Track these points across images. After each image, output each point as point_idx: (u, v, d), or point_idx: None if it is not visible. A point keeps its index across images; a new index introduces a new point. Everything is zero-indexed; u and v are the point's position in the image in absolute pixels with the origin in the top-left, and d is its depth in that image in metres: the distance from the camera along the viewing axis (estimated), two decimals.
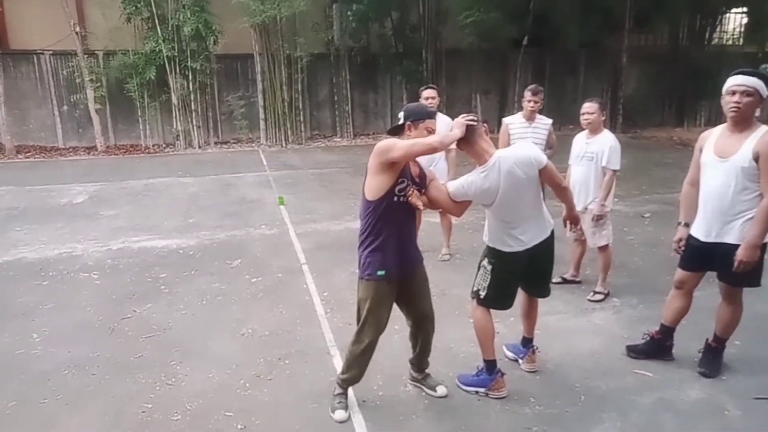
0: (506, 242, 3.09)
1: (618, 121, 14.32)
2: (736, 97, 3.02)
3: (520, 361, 3.51)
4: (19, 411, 3.19)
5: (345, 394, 3.14)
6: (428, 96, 5.20)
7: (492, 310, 3.25)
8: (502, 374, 3.21)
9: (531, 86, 4.98)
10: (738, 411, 3.02)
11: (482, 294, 3.19)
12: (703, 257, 3.25)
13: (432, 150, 2.89)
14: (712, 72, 15.01)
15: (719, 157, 3.11)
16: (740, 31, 16.84)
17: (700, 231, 3.24)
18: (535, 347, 3.50)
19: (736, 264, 3.02)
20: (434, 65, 14.01)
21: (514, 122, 5.02)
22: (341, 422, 3.00)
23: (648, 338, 3.58)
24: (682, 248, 3.37)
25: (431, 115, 3.00)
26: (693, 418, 2.98)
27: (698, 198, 3.30)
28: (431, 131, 2.92)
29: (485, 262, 3.19)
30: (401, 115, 3.05)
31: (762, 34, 16.39)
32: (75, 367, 3.63)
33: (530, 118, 4.95)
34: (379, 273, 2.91)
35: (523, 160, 2.96)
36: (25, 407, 3.22)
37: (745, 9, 16.39)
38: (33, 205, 8.02)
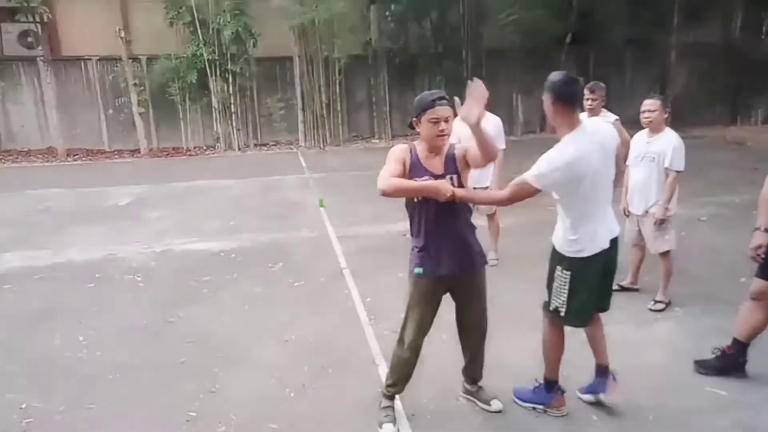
0: (591, 240, 2.70)
1: (667, 120, 13.78)
2: None
3: (603, 396, 2.98)
4: (67, 416, 3.16)
5: (392, 406, 3.00)
6: None
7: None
8: (563, 392, 3.00)
9: (589, 84, 4.78)
10: None
11: (562, 311, 2.84)
12: None
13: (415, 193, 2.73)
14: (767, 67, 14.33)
15: None
16: None
17: None
18: (614, 375, 3.01)
19: None
20: (475, 65, 13.75)
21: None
22: None
23: (719, 353, 3.31)
24: (761, 256, 3.10)
25: (432, 104, 2.68)
26: None
27: None
28: (436, 121, 2.68)
29: (560, 271, 2.81)
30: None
31: None
32: (120, 372, 3.60)
33: (593, 116, 4.73)
34: (416, 271, 2.83)
35: (611, 134, 2.76)
36: (73, 412, 3.19)
37: None
38: (81, 207, 8.18)
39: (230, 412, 3.12)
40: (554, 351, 2.96)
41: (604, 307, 3.01)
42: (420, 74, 14.22)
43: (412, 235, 2.90)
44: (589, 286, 2.79)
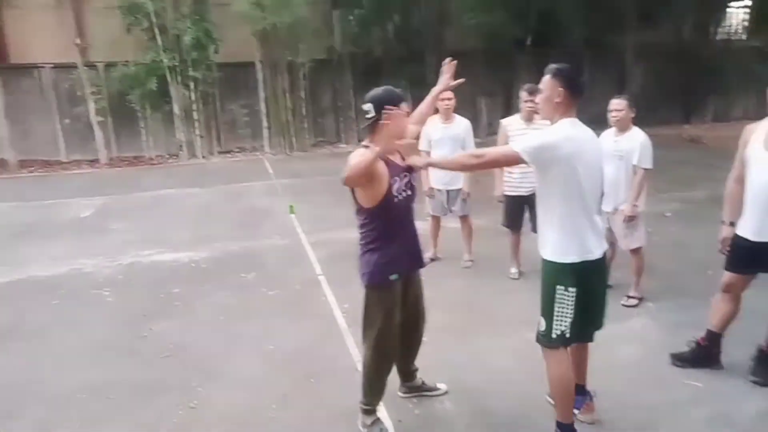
0: (588, 244, 2.51)
1: (634, 119, 14.19)
2: None
3: (576, 412, 2.79)
4: None
5: (379, 418, 2.95)
6: (445, 97, 5.03)
7: None
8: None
9: (526, 85, 4.67)
10: None
11: (568, 334, 2.54)
12: (753, 258, 3.08)
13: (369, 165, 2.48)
14: (719, 67, 14.91)
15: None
16: (744, 26, 16.70)
17: (749, 230, 3.07)
18: (592, 394, 2.90)
19: None
20: (438, 68, 13.78)
21: (512, 123, 4.79)
22: None
23: (694, 345, 3.40)
24: (728, 249, 3.20)
25: (402, 98, 2.71)
26: None
27: (743, 195, 3.12)
28: (407, 114, 2.75)
29: (563, 290, 2.49)
30: (369, 106, 2.67)
31: (766, 28, 16.29)
32: (92, 391, 3.45)
33: (529, 119, 4.68)
34: (392, 278, 2.75)
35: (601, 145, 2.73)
36: None
37: (749, 2, 16.29)
38: (40, 220, 7.87)
39: (211, 428, 3.04)
40: (567, 385, 2.61)
41: (601, 323, 2.75)
42: (384, 77, 14.17)
43: (369, 239, 2.74)
44: (592, 297, 2.58)
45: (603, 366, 3.35)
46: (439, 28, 13.81)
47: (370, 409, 2.92)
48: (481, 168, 2.85)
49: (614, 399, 3.08)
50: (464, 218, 5.35)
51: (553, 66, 2.59)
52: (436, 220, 5.46)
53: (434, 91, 3.17)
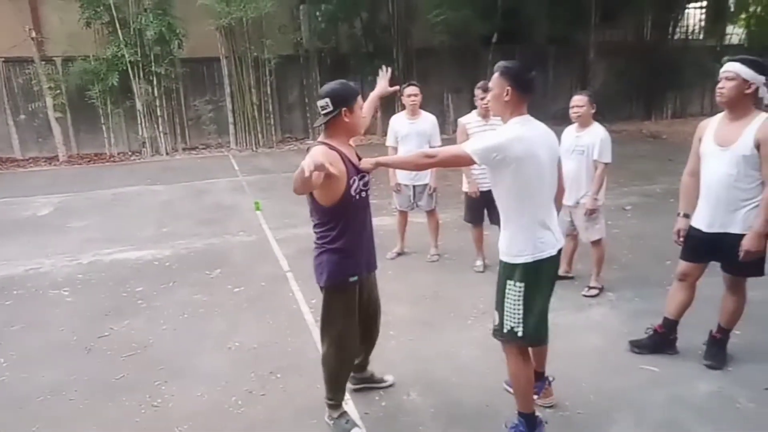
0: (539, 243, 2.53)
1: (594, 115, 14.50)
2: (721, 83, 3.02)
3: (536, 398, 2.87)
4: None
5: (346, 411, 2.95)
6: (411, 93, 5.07)
7: None
8: (544, 423, 2.77)
9: (480, 83, 4.72)
10: (751, 403, 2.96)
11: (519, 330, 2.57)
12: (706, 248, 3.20)
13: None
14: (677, 65, 15.38)
15: (720, 146, 3.06)
16: (701, 26, 17.24)
17: (702, 222, 3.18)
18: (550, 379, 3.00)
19: (742, 254, 2.97)
20: (405, 64, 13.91)
21: (470, 121, 4.83)
22: None
23: (651, 332, 3.51)
24: (682, 239, 3.32)
25: (359, 91, 2.70)
26: (707, 413, 2.90)
27: (698, 189, 3.23)
28: (362, 108, 2.77)
29: (512, 285, 2.55)
30: (326, 101, 2.61)
31: (720, 27, 16.87)
32: (51, 393, 3.36)
33: (485, 116, 4.73)
34: (352, 280, 2.73)
35: (556, 141, 2.69)
36: None
37: (704, 3, 16.83)
38: None
39: (175, 426, 2.98)
40: (525, 379, 2.67)
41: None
42: (352, 74, 14.19)
43: (326, 239, 2.70)
44: (543, 296, 2.63)
45: (564, 354, 3.45)
46: (406, 25, 13.85)
47: (335, 404, 2.92)
48: (433, 167, 2.86)
49: (574, 386, 3.17)
50: (431, 213, 5.39)
51: (501, 63, 2.59)
52: (403, 215, 5.48)
53: (372, 95, 3.21)
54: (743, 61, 2.97)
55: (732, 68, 2.97)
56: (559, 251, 2.65)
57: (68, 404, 3.24)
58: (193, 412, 3.11)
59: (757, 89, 2.96)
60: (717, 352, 3.34)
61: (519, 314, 2.56)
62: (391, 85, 3.28)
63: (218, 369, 3.56)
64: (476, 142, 2.54)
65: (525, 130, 2.51)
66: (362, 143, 3.26)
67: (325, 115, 2.65)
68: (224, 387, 3.35)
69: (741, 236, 3.00)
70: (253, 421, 3.02)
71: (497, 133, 2.57)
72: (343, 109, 2.63)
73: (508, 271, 2.58)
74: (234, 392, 3.28)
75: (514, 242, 2.56)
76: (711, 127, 3.17)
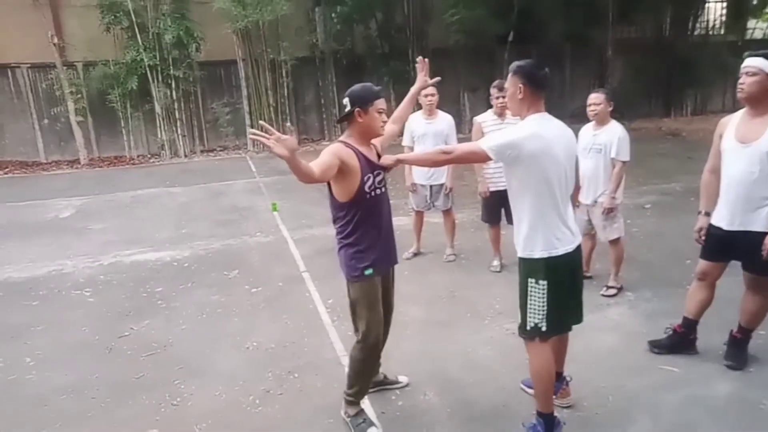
0: (557, 239, 2.53)
1: (612, 113, 14.36)
2: (742, 79, 2.98)
3: (553, 398, 2.81)
4: None
5: (363, 409, 2.96)
6: (428, 93, 5.05)
7: None
8: (562, 424, 2.76)
9: (495, 82, 4.74)
10: None
11: (544, 326, 2.58)
12: (726, 247, 3.14)
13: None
14: (697, 61, 15.13)
15: (741, 143, 3.01)
16: (721, 21, 16.95)
17: (723, 220, 3.13)
18: (568, 379, 3.00)
19: (765, 252, 2.91)
20: None
21: (486, 120, 4.83)
22: None
23: (671, 332, 3.46)
24: (703, 238, 3.27)
25: (378, 95, 2.75)
26: (727, 415, 2.86)
27: (719, 186, 3.18)
28: (381, 111, 2.75)
29: (534, 282, 2.55)
30: (346, 100, 2.73)
31: (742, 22, 16.56)
32: (73, 391, 3.43)
33: (501, 114, 4.75)
34: (367, 273, 2.75)
35: (574, 139, 2.67)
36: None
37: None
38: (17, 221, 7.76)
39: (194, 424, 3.03)
40: (548, 377, 2.65)
41: (579, 319, 2.80)
42: (367, 75, 14.21)
43: (344, 234, 2.76)
44: (567, 291, 2.62)
45: (582, 354, 3.43)
46: (421, 25, 13.84)
47: (354, 401, 2.94)
48: (450, 164, 2.89)
49: (593, 386, 3.15)
50: (447, 212, 5.38)
51: (514, 64, 2.62)
52: (419, 215, 5.48)
53: (412, 90, 3.24)
54: (767, 56, 2.92)
55: (754, 63, 2.93)
56: (578, 247, 2.65)
57: (89, 402, 3.31)
58: (212, 411, 3.15)
59: None
60: (737, 353, 3.28)
61: (543, 311, 2.57)
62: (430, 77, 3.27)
63: (236, 368, 3.60)
64: (492, 139, 2.56)
65: (541, 128, 2.51)
66: (395, 143, 3.29)
67: (345, 113, 2.73)
68: (242, 386, 3.38)
69: (763, 234, 2.94)
70: (270, 420, 3.05)
71: (513, 129, 2.59)
72: (357, 109, 2.69)
73: (528, 268, 2.59)
74: (252, 391, 3.32)
75: (531, 240, 2.55)
76: (732, 123, 3.12)
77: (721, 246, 3.17)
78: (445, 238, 5.47)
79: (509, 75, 2.61)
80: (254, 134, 2.31)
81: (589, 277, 4.66)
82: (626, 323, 3.93)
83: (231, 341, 3.99)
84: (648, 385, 3.14)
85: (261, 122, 2.57)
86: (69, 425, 3.10)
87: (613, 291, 4.36)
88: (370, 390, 3.18)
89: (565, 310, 2.65)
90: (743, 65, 2.98)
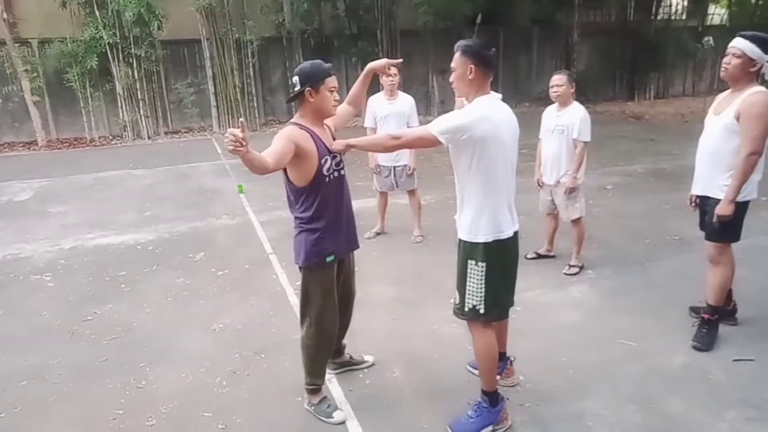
0: (500, 223, 2.52)
1: (573, 95, 14.56)
2: (727, 59, 3.11)
3: (498, 378, 2.87)
4: None
5: (325, 396, 2.94)
6: (389, 74, 5.03)
7: None
8: (505, 399, 2.77)
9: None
10: (722, 375, 3.05)
11: (482, 309, 2.58)
12: (702, 215, 3.39)
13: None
14: (660, 46, 15.44)
15: (714, 115, 3.22)
16: (683, 6, 17.31)
17: (695, 185, 3.39)
18: (511, 359, 3.06)
19: (714, 218, 3.13)
20: (389, 46, 13.79)
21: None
22: (342, 422, 2.81)
23: (705, 331, 3.36)
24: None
25: (329, 72, 2.65)
26: (680, 385, 2.98)
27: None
28: (332, 90, 2.65)
29: (474, 264, 2.54)
30: (296, 79, 2.62)
31: (702, 8, 16.94)
32: (34, 377, 3.35)
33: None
34: (329, 260, 2.73)
35: (516, 122, 2.61)
36: None
37: None
38: None
39: (160, 406, 3.01)
40: (490, 357, 2.67)
41: (511, 302, 2.78)
42: (336, 55, 14.08)
43: (304, 220, 2.70)
44: (505, 274, 2.63)
45: (545, 330, 3.53)
46: (389, 6, 13.70)
47: (315, 388, 2.92)
48: (401, 149, 2.83)
49: (554, 360, 3.24)
50: (412, 192, 5.41)
51: (461, 42, 2.54)
52: (384, 195, 5.51)
53: (366, 68, 3.00)
54: (753, 39, 3.03)
55: (740, 45, 3.05)
56: (516, 233, 2.62)
57: (52, 387, 3.24)
58: (178, 392, 3.13)
59: (761, 67, 3.04)
60: (704, 335, 3.32)
61: (481, 293, 2.56)
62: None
63: (202, 350, 3.58)
64: (441, 123, 2.45)
65: (490, 111, 2.46)
66: (349, 126, 3.27)
67: (294, 92, 2.65)
68: (208, 368, 3.37)
69: (718, 201, 3.14)
70: (237, 400, 3.05)
71: (463, 112, 2.50)
72: (308, 88, 2.61)
73: (468, 250, 2.57)
74: (218, 373, 3.31)
75: (475, 222, 2.53)
76: (717, 99, 3.31)
77: (701, 215, 3.40)
78: (413, 220, 5.51)
79: (457, 54, 2.52)
80: (231, 138, 2.14)
81: (553, 256, 4.78)
82: (587, 300, 4.05)
83: (197, 324, 3.95)
84: (607, 359, 3.25)
85: (241, 120, 2.43)
86: (30, 410, 3.04)
87: (575, 269, 4.47)
88: (338, 371, 3.21)
89: (503, 292, 2.65)
90: (731, 44, 3.09)
